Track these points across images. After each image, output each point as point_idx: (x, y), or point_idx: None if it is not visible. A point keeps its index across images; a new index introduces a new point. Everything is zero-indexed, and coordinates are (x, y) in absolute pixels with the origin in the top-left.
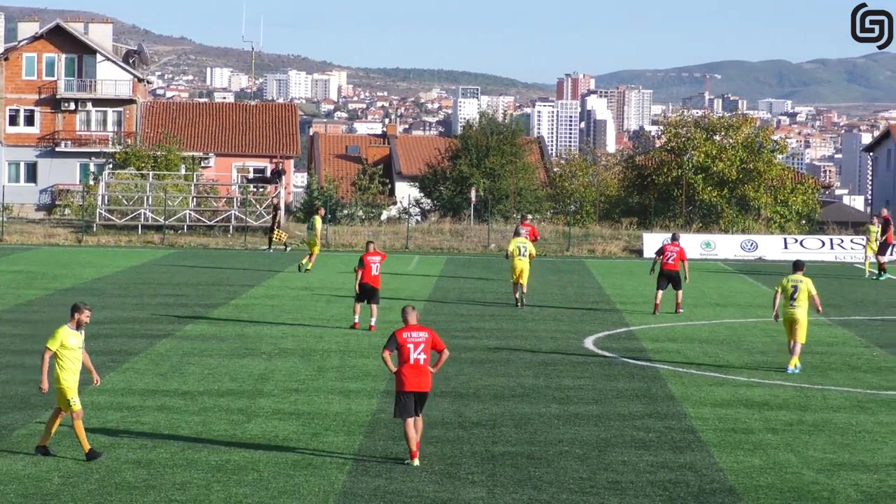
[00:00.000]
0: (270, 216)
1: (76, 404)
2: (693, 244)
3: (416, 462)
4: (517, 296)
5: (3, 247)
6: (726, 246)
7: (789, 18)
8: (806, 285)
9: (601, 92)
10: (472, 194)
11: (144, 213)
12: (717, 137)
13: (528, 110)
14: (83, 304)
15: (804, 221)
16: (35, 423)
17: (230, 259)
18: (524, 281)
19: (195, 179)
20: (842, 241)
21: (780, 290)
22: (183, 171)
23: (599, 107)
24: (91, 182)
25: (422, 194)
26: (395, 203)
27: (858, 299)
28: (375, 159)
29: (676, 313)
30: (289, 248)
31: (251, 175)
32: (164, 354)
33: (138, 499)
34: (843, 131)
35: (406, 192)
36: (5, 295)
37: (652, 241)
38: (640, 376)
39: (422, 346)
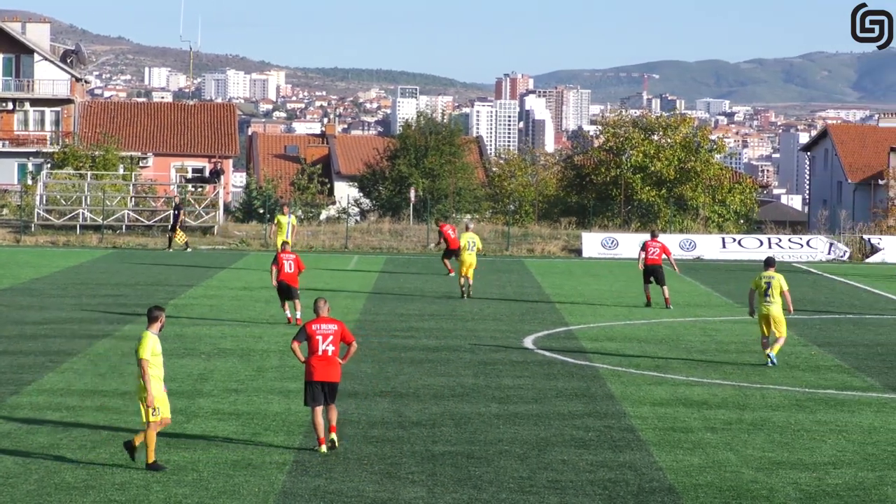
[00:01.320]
0: (172, 215)
1: (163, 413)
2: (632, 244)
3: (324, 448)
4: (462, 287)
5: None
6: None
7: (726, 18)
8: (778, 281)
9: (539, 92)
10: (411, 194)
11: (83, 213)
12: (655, 137)
13: (466, 110)
14: (159, 307)
15: (742, 221)
16: None
17: (169, 259)
18: (471, 274)
19: (133, 179)
20: (780, 240)
21: (753, 287)
22: (121, 171)
23: (538, 107)
24: (29, 182)
25: (361, 194)
26: (334, 203)
27: (796, 298)
28: (314, 159)
29: (667, 308)
30: (189, 249)
31: (190, 175)
32: (103, 354)
33: (78, 499)
34: (780, 131)
35: (345, 192)
36: None
37: (591, 241)
38: (580, 376)
39: (330, 337)
